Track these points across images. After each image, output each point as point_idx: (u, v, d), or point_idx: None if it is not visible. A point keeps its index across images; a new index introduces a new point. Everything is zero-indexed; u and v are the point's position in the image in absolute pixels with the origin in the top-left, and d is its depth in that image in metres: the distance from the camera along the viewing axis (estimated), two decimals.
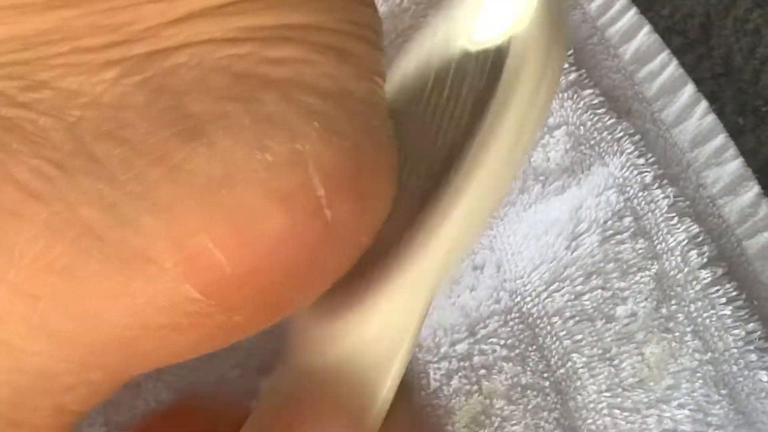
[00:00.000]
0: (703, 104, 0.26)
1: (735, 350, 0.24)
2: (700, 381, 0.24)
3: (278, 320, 0.20)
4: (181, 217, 0.18)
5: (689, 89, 0.26)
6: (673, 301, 0.24)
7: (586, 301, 0.24)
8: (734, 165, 0.25)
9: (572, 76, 0.25)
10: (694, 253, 0.24)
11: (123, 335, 0.18)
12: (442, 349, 0.25)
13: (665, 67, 0.26)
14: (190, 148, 0.18)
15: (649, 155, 0.25)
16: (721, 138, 0.25)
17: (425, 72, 0.22)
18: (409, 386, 0.25)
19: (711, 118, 0.25)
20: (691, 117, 0.26)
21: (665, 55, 0.26)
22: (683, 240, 0.24)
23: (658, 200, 0.25)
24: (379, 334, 0.20)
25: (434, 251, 0.19)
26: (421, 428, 0.25)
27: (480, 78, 0.20)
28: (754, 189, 0.25)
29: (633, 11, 0.26)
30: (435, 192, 0.19)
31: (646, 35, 0.26)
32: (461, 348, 0.25)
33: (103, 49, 0.18)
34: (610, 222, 0.25)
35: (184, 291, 0.18)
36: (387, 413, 0.21)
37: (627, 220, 0.24)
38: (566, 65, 0.25)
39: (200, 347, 0.19)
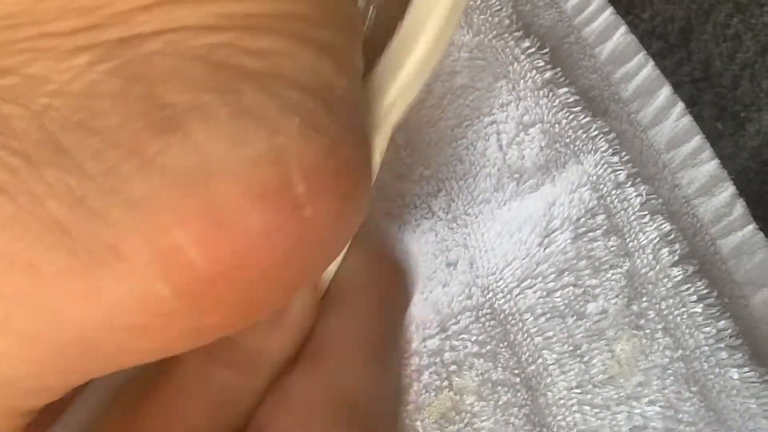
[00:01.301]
0: (680, 106, 0.26)
1: (706, 348, 0.24)
2: (671, 378, 0.24)
3: (249, 323, 0.20)
4: (155, 212, 0.17)
5: (666, 91, 0.26)
6: (644, 299, 0.24)
7: (557, 298, 0.25)
8: (710, 166, 0.25)
9: (548, 74, 0.25)
10: (665, 251, 0.24)
11: (89, 336, 0.18)
12: (413, 345, 0.25)
13: (642, 68, 0.26)
14: (165, 141, 0.17)
15: (624, 153, 0.25)
16: (698, 140, 0.25)
17: None
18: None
19: (687, 120, 0.26)
20: (667, 119, 0.26)
21: (642, 56, 0.26)
22: (655, 238, 0.24)
23: (631, 198, 0.25)
24: None
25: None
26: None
27: None
28: (729, 189, 0.25)
29: (609, 11, 0.26)
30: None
31: (622, 35, 0.26)
32: (432, 344, 0.25)
33: (73, 34, 0.18)
34: (583, 219, 0.25)
35: (155, 290, 0.17)
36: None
37: (600, 218, 0.25)
38: (542, 63, 0.25)
39: (168, 349, 0.19)
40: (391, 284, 0.25)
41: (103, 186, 0.17)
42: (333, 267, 0.22)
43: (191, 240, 0.17)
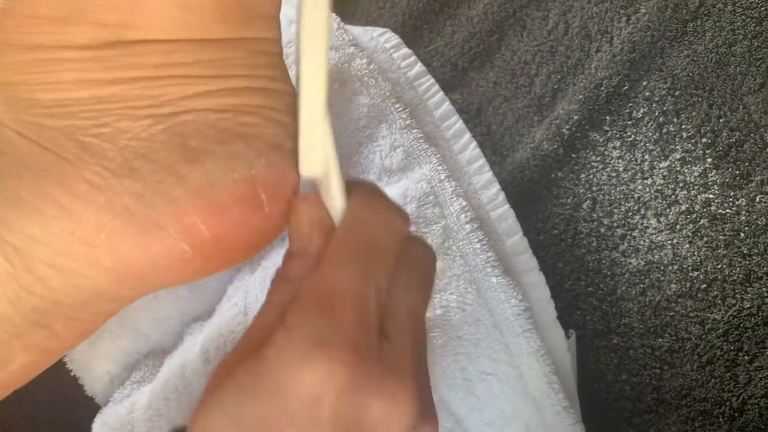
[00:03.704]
0: (473, 143, 0.40)
1: (480, 265, 0.36)
2: (462, 280, 0.36)
3: (231, 267, 0.26)
4: (182, 205, 0.22)
5: (467, 135, 0.40)
6: (451, 239, 0.37)
7: None
8: (488, 175, 0.40)
9: (408, 122, 0.39)
10: (462, 215, 0.37)
11: (143, 270, 0.23)
12: None
13: (456, 122, 0.40)
14: (191, 167, 0.22)
15: (444, 166, 0.38)
16: (482, 161, 0.40)
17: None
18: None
19: (477, 151, 0.40)
20: (467, 149, 0.40)
21: (456, 117, 0.41)
22: (457, 209, 0.37)
23: (446, 189, 0.38)
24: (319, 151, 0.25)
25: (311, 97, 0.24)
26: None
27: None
28: (496, 186, 0.39)
29: (441, 94, 0.41)
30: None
31: (447, 107, 0.41)
32: None
33: (144, 108, 0.23)
34: (422, 197, 0.37)
35: (180, 246, 0.23)
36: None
37: (431, 197, 0.37)
38: (405, 116, 0.38)
39: (185, 279, 0.24)
40: (371, 227, 0.24)
41: (155, 189, 0.22)
42: (337, 220, 0.25)
43: (202, 220, 0.23)
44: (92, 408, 0.41)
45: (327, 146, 0.25)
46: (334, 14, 0.41)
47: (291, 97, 0.25)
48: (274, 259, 0.38)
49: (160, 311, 0.41)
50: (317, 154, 0.25)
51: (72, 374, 0.41)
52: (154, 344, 0.42)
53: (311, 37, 0.23)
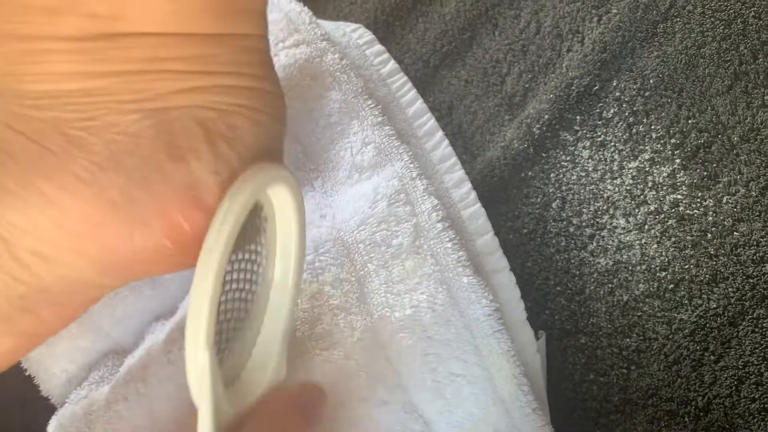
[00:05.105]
0: (445, 141, 0.39)
1: (451, 264, 0.34)
2: (432, 280, 0.34)
3: None
4: (166, 202, 0.23)
5: (439, 133, 0.39)
6: (422, 238, 0.35)
7: (377, 235, 0.35)
8: (459, 173, 0.38)
9: (379, 119, 0.38)
10: (434, 214, 0.35)
11: (126, 261, 0.24)
12: None
13: (428, 121, 0.39)
14: (176, 165, 0.23)
15: (416, 163, 0.37)
16: (453, 159, 0.39)
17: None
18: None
19: (449, 149, 0.39)
20: (439, 147, 0.39)
21: (429, 115, 0.40)
22: (429, 207, 0.35)
23: (418, 186, 0.36)
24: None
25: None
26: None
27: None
28: (468, 185, 0.38)
29: (413, 92, 0.40)
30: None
31: (420, 105, 0.40)
32: (310, 258, 0.35)
33: (132, 102, 0.23)
34: (393, 195, 0.36)
35: (162, 242, 0.23)
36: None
37: (402, 195, 0.36)
38: (377, 112, 0.37)
39: (167, 271, 0.25)
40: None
41: (140, 185, 0.23)
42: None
43: (185, 219, 0.23)
44: (47, 409, 0.39)
45: (204, 389, 0.23)
46: (306, 8, 0.40)
47: (277, 97, 0.25)
48: None
49: (121, 309, 0.39)
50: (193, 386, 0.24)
51: (27, 374, 0.39)
52: (114, 343, 0.40)
53: (203, 264, 0.23)
